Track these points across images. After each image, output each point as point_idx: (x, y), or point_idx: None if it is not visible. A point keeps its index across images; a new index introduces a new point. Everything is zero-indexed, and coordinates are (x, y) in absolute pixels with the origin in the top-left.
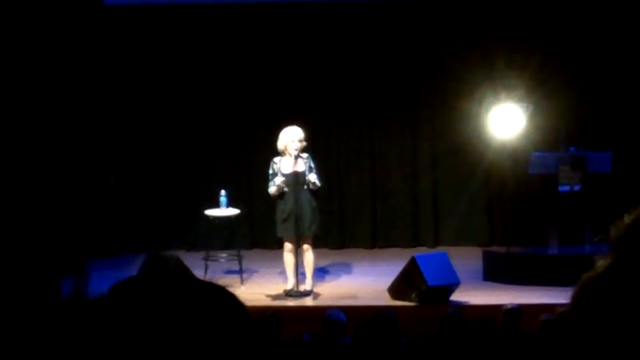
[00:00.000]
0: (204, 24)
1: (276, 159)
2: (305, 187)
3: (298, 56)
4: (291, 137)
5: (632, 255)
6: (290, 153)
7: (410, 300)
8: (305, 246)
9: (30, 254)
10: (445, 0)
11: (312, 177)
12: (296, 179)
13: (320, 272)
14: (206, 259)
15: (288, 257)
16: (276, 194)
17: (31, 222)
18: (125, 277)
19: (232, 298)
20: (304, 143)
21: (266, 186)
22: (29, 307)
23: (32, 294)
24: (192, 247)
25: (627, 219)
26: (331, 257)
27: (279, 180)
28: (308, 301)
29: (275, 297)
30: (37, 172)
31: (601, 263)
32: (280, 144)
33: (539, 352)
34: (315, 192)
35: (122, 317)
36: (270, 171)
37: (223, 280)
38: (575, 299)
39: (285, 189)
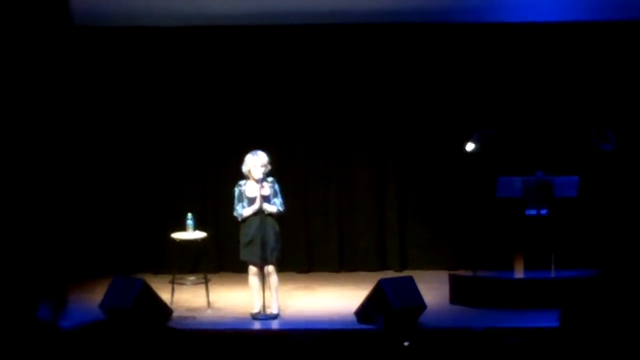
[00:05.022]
0: (171, 47)
1: (241, 182)
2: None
3: (267, 81)
4: (254, 163)
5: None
6: (255, 178)
7: (376, 324)
8: (270, 269)
9: (7, 277)
10: (414, 30)
11: (271, 208)
12: (261, 204)
13: (287, 296)
14: (173, 282)
15: (253, 280)
16: (246, 217)
17: (8, 245)
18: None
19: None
20: (269, 167)
21: (232, 209)
22: (4, 331)
23: (8, 319)
24: (158, 270)
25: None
26: (298, 281)
27: (247, 211)
28: (274, 324)
29: (242, 320)
30: (16, 201)
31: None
32: (245, 168)
33: None
34: (278, 216)
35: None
36: (236, 193)
37: (190, 304)
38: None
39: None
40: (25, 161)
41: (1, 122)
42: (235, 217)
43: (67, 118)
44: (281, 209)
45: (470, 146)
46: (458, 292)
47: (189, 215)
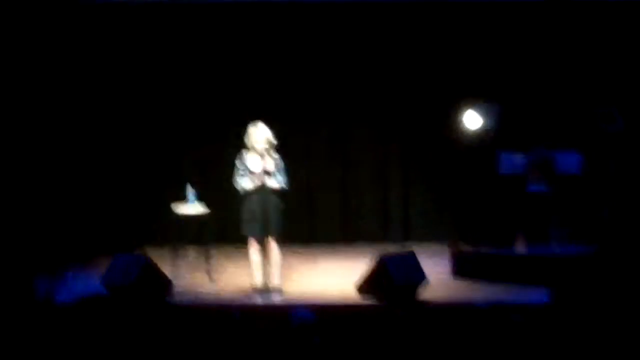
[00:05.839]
0: (175, 21)
1: (244, 153)
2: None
3: (272, 55)
4: (256, 139)
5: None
6: (257, 150)
7: (377, 299)
8: (272, 243)
9: (5, 255)
10: (419, 6)
11: (273, 184)
12: (263, 178)
13: (289, 269)
14: (175, 255)
15: (254, 254)
16: (247, 189)
17: (7, 224)
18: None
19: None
20: (274, 142)
21: (233, 180)
22: (3, 307)
23: (6, 295)
24: (160, 243)
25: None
26: (300, 254)
27: (248, 184)
28: (276, 298)
29: (243, 294)
30: (12, 177)
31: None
32: (247, 140)
33: (511, 346)
34: (281, 192)
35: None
36: (238, 164)
37: (191, 277)
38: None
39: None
40: (27, 138)
41: (4, 99)
42: (235, 187)
43: (68, 94)
44: (284, 186)
45: (473, 121)
46: (460, 266)
47: (190, 188)
